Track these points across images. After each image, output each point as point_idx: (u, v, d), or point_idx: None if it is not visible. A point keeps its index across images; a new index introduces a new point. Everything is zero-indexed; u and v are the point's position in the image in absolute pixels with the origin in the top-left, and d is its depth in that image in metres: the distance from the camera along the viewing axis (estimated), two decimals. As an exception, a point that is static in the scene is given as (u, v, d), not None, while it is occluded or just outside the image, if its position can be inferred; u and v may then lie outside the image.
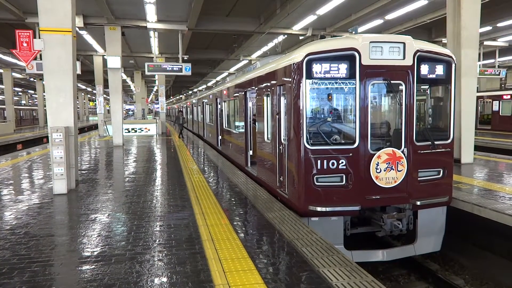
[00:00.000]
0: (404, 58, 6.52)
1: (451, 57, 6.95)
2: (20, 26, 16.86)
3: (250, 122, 10.99)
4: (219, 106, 16.02)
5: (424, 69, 6.71)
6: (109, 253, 4.67)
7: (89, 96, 71.46)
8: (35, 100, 61.53)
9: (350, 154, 6.44)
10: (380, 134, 6.99)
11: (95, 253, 4.68)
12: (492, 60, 26.41)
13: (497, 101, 24.48)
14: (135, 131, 22.85)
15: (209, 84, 50.02)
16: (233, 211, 6.44)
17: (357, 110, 6.44)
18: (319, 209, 6.36)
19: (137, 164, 12.00)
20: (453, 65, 6.97)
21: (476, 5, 10.99)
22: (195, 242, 5.00)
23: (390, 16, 17.03)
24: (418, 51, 6.59)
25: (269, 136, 8.48)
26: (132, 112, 72.60)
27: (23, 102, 67.09)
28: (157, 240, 5.11)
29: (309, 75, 6.35)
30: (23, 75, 38.52)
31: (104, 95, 27.74)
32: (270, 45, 23.99)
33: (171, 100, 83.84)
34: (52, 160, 7.87)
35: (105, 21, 17.01)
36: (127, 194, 7.79)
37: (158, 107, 31.98)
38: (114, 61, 17.61)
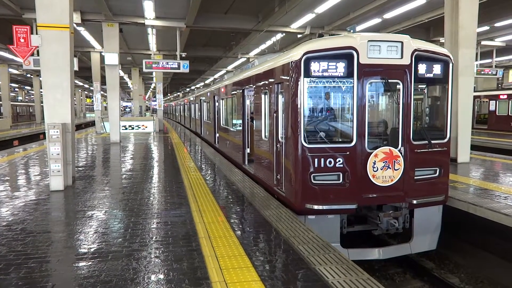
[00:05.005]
0: (401, 57, 6.54)
1: (448, 56, 6.98)
2: (17, 22, 16.77)
3: (247, 120, 10.99)
4: (216, 104, 16.01)
5: (422, 68, 6.73)
6: (106, 249, 4.67)
7: (86, 92, 71.23)
8: (32, 96, 61.23)
9: (347, 153, 6.46)
10: (377, 132, 7.02)
11: (92, 249, 4.67)
12: (489, 60, 26.49)
13: (494, 101, 24.58)
14: (132, 128, 22.79)
15: (207, 81, 49.96)
16: (230, 209, 6.45)
17: (355, 108, 6.46)
18: (316, 207, 6.38)
19: (134, 161, 11.98)
20: (451, 65, 6.99)
21: (473, 5, 11.02)
22: (192, 240, 5.00)
23: (388, 15, 17.04)
24: (415, 50, 6.61)
25: (266, 134, 8.49)
26: (129, 109, 72.42)
27: (20, 98, 66.82)
28: (154, 237, 5.11)
29: (307, 74, 6.36)
30: (20, 71, 38.33)
31: (101, 92, 27.62)
32: (268, 43, 23.96)
33: (168, 97, 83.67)
34: (49, 157, 7.85)
35: (102, 17, 16.95)
36: (124, 191, 7.79)
37: (156, 104, 31.89)
38: (112, 58, 17.56)
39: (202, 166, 10.91)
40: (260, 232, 5.29)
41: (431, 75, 6.85)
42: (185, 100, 33.06)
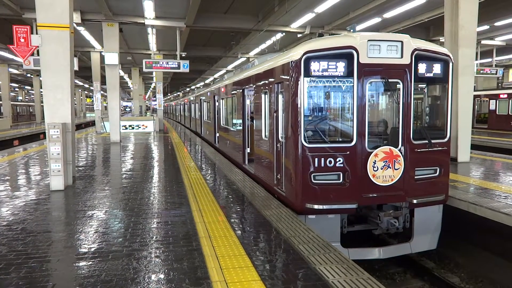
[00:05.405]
0: (401, 56, 6.54)
1: (448, 56, 6.98)
2: (17, 22, 16.78)
3: (247, 119, 10.99)
4: (216, 104, 16.01)
5: (422, 67, 6.73)
6: (106, 249, 4.67)
7: (86, 92, 71.22)
8: (32, 96, 61.22)
9: (348, 152, 6.46)
10: (378, 132, 7.02)
11: (92, 249, 4.68)
12: (489, 59, 26.49)
13: (494, 100, 24.58)
14: (133, 128, 22.81)
15: (207, 81, 49.96)
16: (230, 209, 6.46)
17: (355, 108, 6.46)
18: (316, 207, 6.38)
19: (134, 161, 11.98)
20: (451, 64, 6.99)
21: (473, 4, 11.01)
22: (192, 239, 5.00)
23: (388, 15, 17.04)
24: (415, 49, 6.61)
25: (266, 133, 8.49)
26: (129, 109, 72.43)
27: (20, 98, 66.82)
28: (154, 236, 5.11)
29: (307, 73, 6.36)
30: (20, 71, 38.33)
31: (102, 92, 27.61)
32: (268, 42, 23.95)
33: (168, 97, 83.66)
34: (49, 156, 7.85)
35: (102, 17, 16.95)
36: (124, 191, 7.79)
37: (156, 104, 31.90)
38: (112, 58, 17.56)
39: (202, 165, 10.91)
40: (260, 232, 5.29)
41: (431, 75, 6.85)
42: (185, 100, 33.06)
